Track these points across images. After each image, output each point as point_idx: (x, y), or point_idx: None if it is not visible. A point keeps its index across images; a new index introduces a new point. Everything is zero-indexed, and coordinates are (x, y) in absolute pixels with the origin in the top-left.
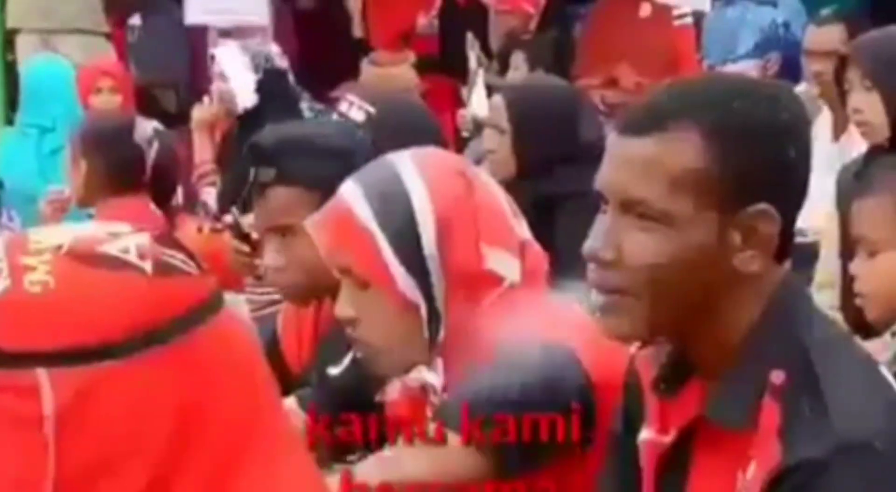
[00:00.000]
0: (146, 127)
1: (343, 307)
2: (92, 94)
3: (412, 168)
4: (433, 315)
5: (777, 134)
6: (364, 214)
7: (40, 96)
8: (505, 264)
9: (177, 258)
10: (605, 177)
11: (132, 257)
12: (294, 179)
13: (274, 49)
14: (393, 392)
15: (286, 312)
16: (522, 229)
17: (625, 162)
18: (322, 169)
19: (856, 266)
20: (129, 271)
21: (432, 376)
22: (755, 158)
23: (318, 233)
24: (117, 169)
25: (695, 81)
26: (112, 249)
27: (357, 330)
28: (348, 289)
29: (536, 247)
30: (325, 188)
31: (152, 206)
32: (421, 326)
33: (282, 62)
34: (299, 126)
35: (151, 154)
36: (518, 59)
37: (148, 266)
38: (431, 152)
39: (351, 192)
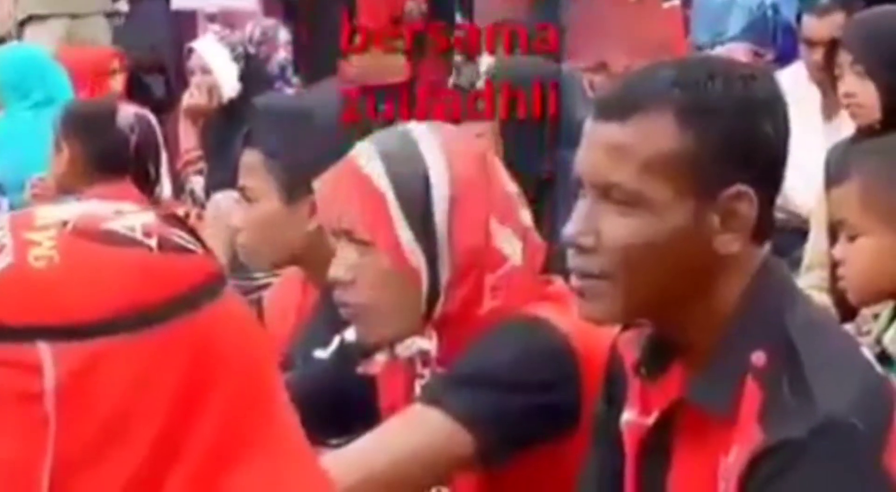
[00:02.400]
0: (128, 112)
1: (338, 269)
2: (109, 77)
3: (432, 139)
4: (433, 287)
5: (753, 114)
6: (377, 174)
7: (40, 75)
8: (510, 245)
9: (182, 237)
10: (582, 162)
11: (138, 234)
12: (256, 142)
13: (283, 35)
14: (378, 364)
15: (271, 297)
16: (526, 216)
17: (600, 147)
18: (286, 137)
19: (837, 251)
20: (134, 248)
21: (427, 345)
22: (731, 140)
23: (324, 188)
24: (101, 155)
25: (668, 64)
26: (117, 226)
27: (351, 293)
28: (346, 251)
29: (537, 236)
30: (282, 154)
31: (136, 192)
32: (419, 295)
33: (285, 49)
34: (289, 97)
35: (133, 140)
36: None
37: (153, 243)
38: (451, 127)
39: (365, 152)
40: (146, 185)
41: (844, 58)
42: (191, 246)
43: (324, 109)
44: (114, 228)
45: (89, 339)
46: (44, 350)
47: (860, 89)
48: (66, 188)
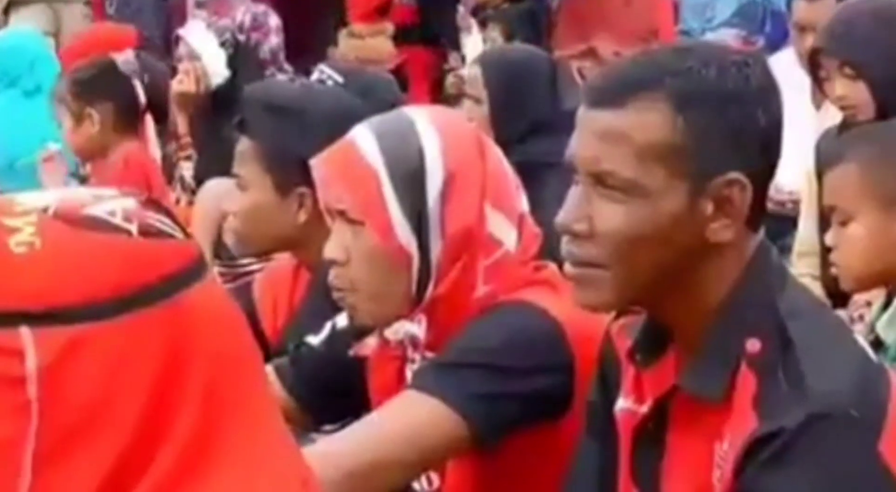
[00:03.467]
0: (128, 57)
1: (332, 249)
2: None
3: (428, 121)
4: (424, 270)
5: (746, 101)
6: (372, 154)
7: (29, 62)
8: (504, 231)
9: (163, 222)
10: (575, 149)
11: (118, 219)
12: (252, 132)
13: (273, 21)
14: (369, 346)
15: (262, 282)
16: (522, 202)
17: (593, 134)
18: (280, 128)
19: (829, 236)
20: (115, 233)
21: (416, 329)
22: (724, 127)
23: (320, 168)
24: (125, 108)
25: (661, 51)
26: (98, 211)
27: (343, 273)
28: (340, 231)
29: (532, 222)
30: (273, 145)
31: (151, 149)
32: (410, 278)
33: (276, 34)
34: (282, 86)
35: (145, 81)
36: (494, 33)
37: (133, 228)
38: (448, 111)
39: (361, 133)
40: (163, 120)
41: (830, 63)
42: (171, 231)
43: (317, 101)
44: (94, 214)
45: (70, 323)
46: (26, 335)
47: (852, 92)
48: (94, 153)
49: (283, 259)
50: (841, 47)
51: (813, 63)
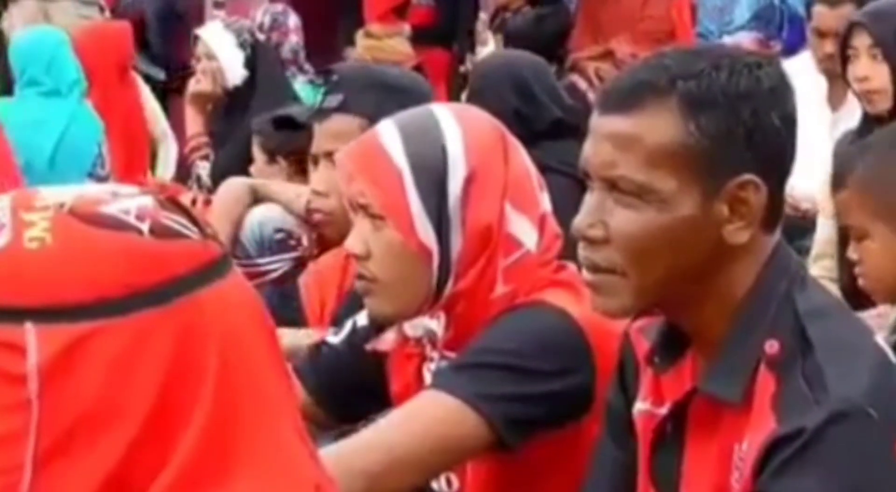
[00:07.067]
0: None
1: (354, 242)
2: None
3: (452, 118)
4: (444, 266)
5: (758, 103)
6: (396, 150)
7: (46, 63)
8: (525, 231)
9: (179, 222)
10: (588, 155)
11: (130, 218)
12: (357, 109)
13: (293, 20)
14: (387, 342)
15: (309, 282)
16: (545, 202)
17: (606, 139)
18: (386, 105)
19: (851, 252)
20: (124, 232)
21: (435, 325)
22: (737, 129)
23: (344, 162)
24: None
25: (672, 54)
26: (112, 209)
27: (364, 267)
28: (362, 225)
29: (554, 222)
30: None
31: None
32: (430, 274)
33: (296, 33)
34: (381, 66)
35: None
36: (498, 40)
37: (145, 227)
38: (473, 109)
39: (385, 128)
40: None
41: (861, 41)
42: (186, 231)
43: (414, 80)
44: (108, 211)
45: (74, 321)
46: (29, 331)
47: (875, 73)
48: None
49: (330, 257)
50: (878, 25)
51: (844, 40)
